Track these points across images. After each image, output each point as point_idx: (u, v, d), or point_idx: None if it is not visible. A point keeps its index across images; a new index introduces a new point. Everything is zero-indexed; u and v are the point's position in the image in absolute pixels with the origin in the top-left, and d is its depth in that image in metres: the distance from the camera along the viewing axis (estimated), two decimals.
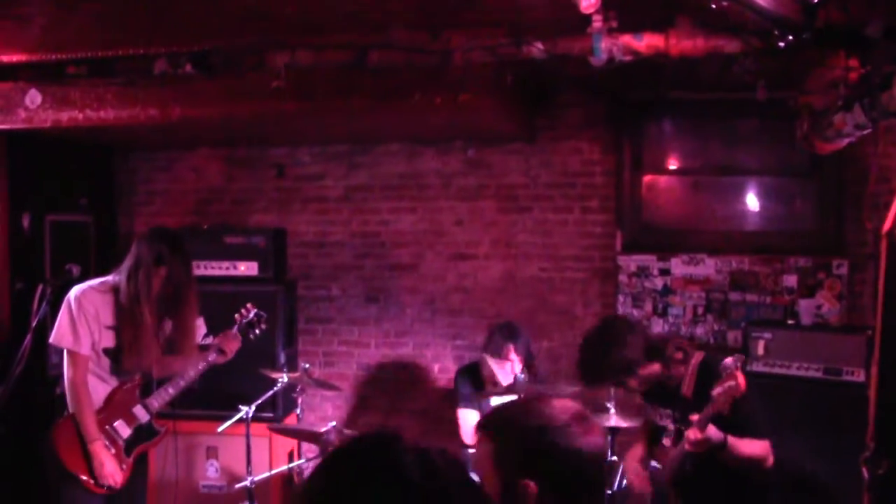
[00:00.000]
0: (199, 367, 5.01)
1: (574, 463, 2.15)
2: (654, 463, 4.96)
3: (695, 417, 4.15)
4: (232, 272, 6.75)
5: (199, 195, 7.73)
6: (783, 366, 5.76)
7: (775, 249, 6.67)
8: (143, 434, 5.00)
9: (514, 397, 5.47)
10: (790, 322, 6.36)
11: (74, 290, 4.84)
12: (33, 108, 6.12)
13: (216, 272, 6.75)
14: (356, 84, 5.54)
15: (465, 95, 5.44)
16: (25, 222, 6.73)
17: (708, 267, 6.75)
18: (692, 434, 4.12)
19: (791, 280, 6.56)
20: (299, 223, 7.51)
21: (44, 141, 6.74)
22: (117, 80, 5.87)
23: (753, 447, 4.23)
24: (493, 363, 5.80)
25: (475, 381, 6.01)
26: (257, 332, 5.40)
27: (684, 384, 4.50)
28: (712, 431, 4.12)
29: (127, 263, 4.85)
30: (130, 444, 4.94)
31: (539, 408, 2.22)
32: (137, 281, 4.77)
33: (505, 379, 5.73)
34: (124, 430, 4.91)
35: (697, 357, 4.56)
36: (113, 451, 4.84)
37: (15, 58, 5.90)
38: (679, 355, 4.59)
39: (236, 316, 5.32)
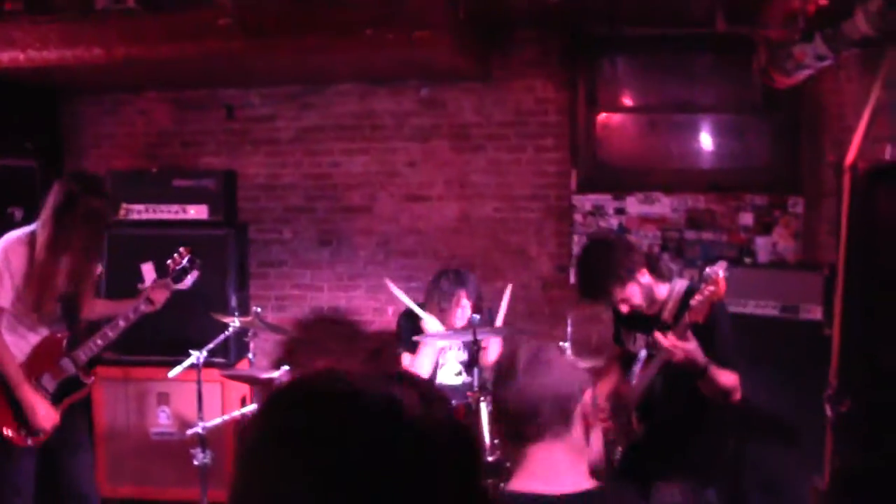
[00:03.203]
0: (130, 317, 4.91)
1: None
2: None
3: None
4: (182, 216, 6.59)
5: (147, 138, 7.54)
6: (740, 304, 5.72)
7: (731, 187, 6.63)
8: (70, 386, 4.90)
9: (462, 338, 5.45)
10: (747, 260, 6.35)
11: (1, 242, 4.69)
12: None
13: (166, 216, 6.60)
14: (307, 20, 5.41)
15: (419, 32, 5.34)
16: None
17: (663, 205, 6.70)
18: (670, 338, 3.98)
19: (747, 218, 6.54)
20: (250, 165, 7.36)
21: None
22: (60, 16, 5.69)
23: (728, 378, 4.13)
24: (438, 315, 5.66)
25: (416, 325, 5.77)
26: (189, 279, 5.19)
27: (666, 309, 4.38)
28: (696, 349, 4.00)
29: (44, 211, 4.68)
30: (57, 396, 4.84)
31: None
32: (49, 225, 4.61)
33: (459, 324, 5.62)
34: (50, 383, 4.81)
35: (682, 284, 4.46)
36: None
37: None
38: (667, 271, 4.55)
39: (169, 262, 5.15)
